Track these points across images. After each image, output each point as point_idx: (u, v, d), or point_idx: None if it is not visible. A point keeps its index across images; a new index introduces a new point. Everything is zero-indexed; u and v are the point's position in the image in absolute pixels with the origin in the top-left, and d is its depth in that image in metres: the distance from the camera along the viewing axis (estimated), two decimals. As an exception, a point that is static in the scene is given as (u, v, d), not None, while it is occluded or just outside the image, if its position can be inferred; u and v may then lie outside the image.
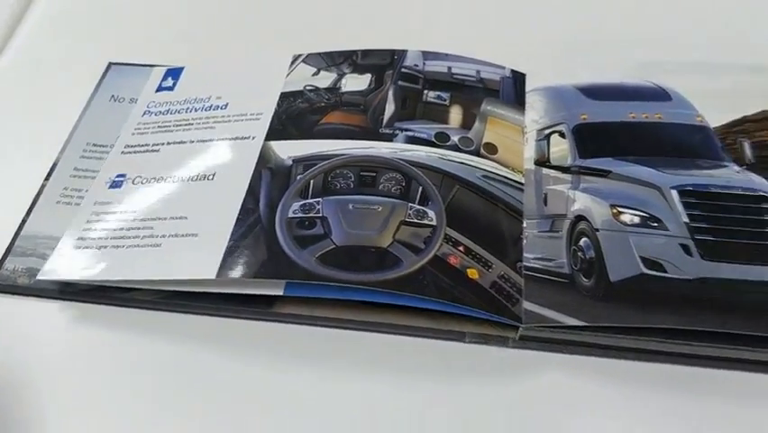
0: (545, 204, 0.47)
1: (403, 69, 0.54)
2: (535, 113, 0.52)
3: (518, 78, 0.54)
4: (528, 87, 0.53)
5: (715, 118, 0.49)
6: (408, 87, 0.53)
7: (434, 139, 0.50)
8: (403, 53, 0.55)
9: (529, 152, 0.49)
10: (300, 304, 0.44)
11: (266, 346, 0.43)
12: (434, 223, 0.45)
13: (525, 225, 0.46)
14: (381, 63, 0.55)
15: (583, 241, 0.44)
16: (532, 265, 0.44)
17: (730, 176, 0.46)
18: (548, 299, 0.42)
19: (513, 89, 0.54)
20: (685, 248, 0.43)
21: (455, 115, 0.52)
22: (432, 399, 0.41)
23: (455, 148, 0.49)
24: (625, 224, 0.44)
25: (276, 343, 0.43)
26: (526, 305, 0.42)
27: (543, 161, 0.49)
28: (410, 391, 0.41)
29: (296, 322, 0.44)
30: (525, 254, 0.44)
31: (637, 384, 0.41)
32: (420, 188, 0.46)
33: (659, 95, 0.50)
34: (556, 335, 0.42)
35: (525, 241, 0.45)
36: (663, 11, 0.60)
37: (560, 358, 0.42)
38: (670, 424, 0.40)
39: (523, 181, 0.48)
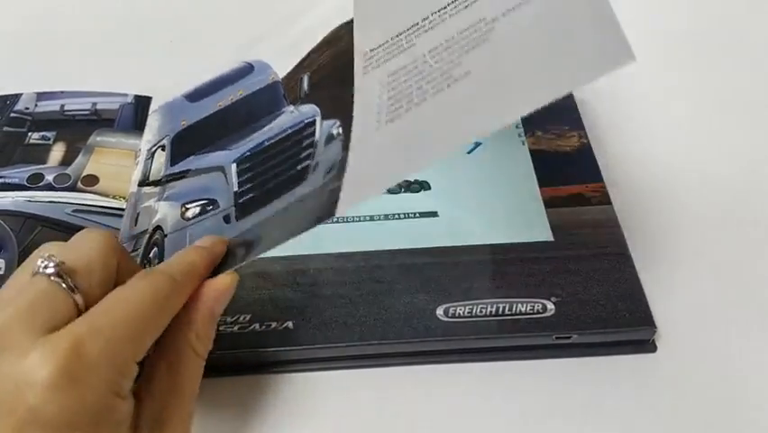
0: (135, 224, 0.44)
1: (12, 114, 0.51)
2: (150, 133, 0.49)
3: (141, 103, 0.52)
4: (152, 108, 0.51)
5: (288, 67, 0.46)
6: (12, 132, 0.50)
7: (26, 182, 0.47)
8: (17, 97, 0.52)
9: (137, 175, 0.47)
10: None
11: None
12: (1, 272, 0.42)
13: (119, 252, 0.43)
14: (-8, 112, 0.52)
15: (153, 251, 0.42)
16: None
17: (284, 121, 0.43)
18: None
19: (133, 115, 0.51)
20: (226, 218, 0.40)
21: (57, 153, 0.49)
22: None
23: (49, 187, 0.46)
24: (188, 219, 0.41)
25: None
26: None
27: (144, 181, 0.46)
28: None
29: None
30: (107, 284, 0.41)
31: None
32: (-4, 238, 0.43)
33: (244, 71, 0.48)
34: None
35: (113, 269, 0.42)
36: None
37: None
38: None
39: (123, 206, 0.45)
